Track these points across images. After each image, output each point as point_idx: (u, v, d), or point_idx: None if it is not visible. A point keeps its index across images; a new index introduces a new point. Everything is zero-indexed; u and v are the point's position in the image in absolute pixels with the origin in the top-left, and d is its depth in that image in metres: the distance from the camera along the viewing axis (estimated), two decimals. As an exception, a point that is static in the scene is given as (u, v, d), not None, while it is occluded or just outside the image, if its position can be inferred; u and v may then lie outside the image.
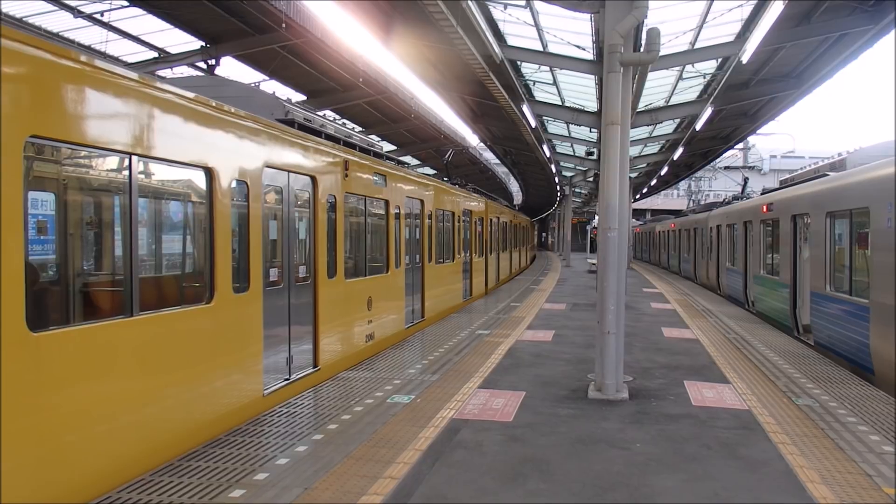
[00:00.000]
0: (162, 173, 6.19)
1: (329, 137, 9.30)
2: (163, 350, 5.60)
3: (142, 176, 5.69)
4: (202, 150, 6.17)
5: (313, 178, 8.49)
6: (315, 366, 8.53)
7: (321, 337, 8.63)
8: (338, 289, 9.25)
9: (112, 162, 5.51)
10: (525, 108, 16.99)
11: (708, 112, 17.74)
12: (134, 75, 5.37)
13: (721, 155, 33.79)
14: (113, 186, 5.75)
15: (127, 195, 5.37)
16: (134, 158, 5.32)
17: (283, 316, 7.83)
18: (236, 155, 6.71)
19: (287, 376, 7.84)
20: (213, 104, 6.38)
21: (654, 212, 67.03)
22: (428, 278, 14.39)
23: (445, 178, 19.88)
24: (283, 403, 7.28)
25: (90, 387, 4.82)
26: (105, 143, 5.05)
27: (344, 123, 13.29)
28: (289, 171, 7.91)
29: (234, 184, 6.65)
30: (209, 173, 6.27)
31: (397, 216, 12.15)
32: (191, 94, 6.05)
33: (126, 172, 5.32)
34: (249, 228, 6.97)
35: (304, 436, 6.18)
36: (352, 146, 10.14)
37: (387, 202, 11.57)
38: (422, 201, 13.96)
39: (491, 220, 23.07)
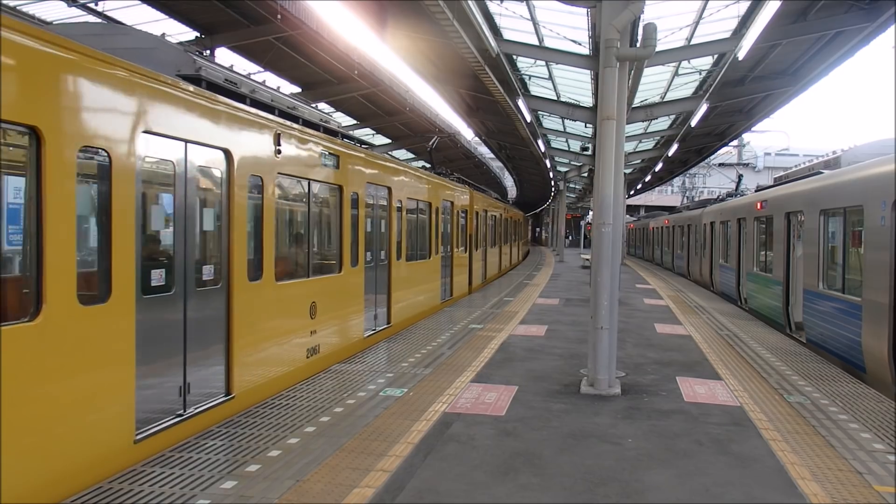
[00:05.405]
0: None
1: (257, 104, 7.60)
2: None
3: None
4: (24, 104, 4.39)
5: (227, 152, 6.78)
6: (228, 393, 6.82)
7: (236, 356, 6.88)
8: (264, 294, 7.49)
9: None
10: (520, 103, 17.00)
11: (703, 108, 17.79)
12: None
13: (716, 152, 33.94)
14: None
15: None
16: None
17: (176, 332, 6.06)
18: (88, 113, 4.96)
19: (181, 411, 6.09)
20: (47, 36, 4.59)
21: (648, 208, 67.18)
22: (396, 278, 12.52)
23: (429, 167, 19.44)
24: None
25: None
26: None
27: (324, 111, 13.19)
28: (186, 141, 6.14)
29: (81, 153, 4.87)
30: (36, 136, 4.49)
31: (355, 205, 10.38)
32: None
33: None
34: (111, 216, 5.19)
35: (297, 428, 6.17)
36: (293, 118, 8.47)
37: (340, 188, 9.77)
38: (389, 189, 12.13)
39: (477, 212, 21.57)
